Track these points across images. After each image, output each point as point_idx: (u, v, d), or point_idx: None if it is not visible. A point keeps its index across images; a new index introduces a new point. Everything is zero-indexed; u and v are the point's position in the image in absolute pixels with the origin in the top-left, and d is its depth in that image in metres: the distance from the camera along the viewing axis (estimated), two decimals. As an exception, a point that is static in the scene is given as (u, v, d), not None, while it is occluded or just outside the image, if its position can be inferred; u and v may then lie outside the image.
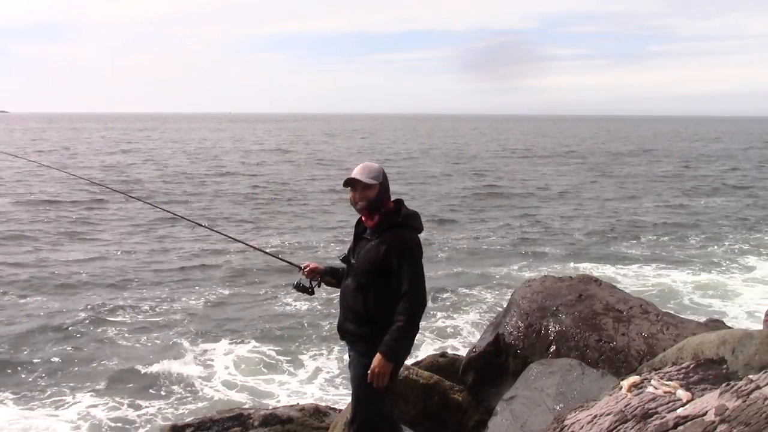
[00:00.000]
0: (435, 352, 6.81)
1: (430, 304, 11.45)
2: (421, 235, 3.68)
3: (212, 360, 9.08)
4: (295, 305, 11.38)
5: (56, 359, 9.00)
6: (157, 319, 10.62)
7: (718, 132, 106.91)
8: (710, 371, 3.31)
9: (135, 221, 18.96)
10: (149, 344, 9.59)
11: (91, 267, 13.69)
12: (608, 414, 3.03)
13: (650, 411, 2.91)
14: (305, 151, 52.39)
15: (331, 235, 17.28)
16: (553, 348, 5.05)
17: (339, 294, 3.85)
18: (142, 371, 8.67)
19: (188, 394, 8.06)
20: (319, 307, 11.21)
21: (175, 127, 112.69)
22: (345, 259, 3.86)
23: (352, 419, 3.78)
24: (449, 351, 6.71)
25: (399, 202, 3.70)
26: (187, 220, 6.02)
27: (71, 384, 8.26)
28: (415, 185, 28.72)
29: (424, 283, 3.56)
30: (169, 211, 6.07)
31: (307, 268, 3.97)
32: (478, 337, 6.24)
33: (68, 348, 9.38)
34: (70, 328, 10.08)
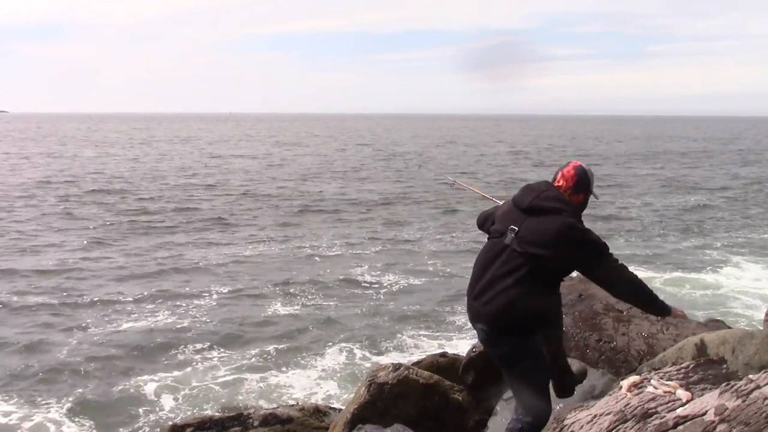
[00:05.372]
0: (435, 352, 6.80)
1: (431, 304, 11.46)
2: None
3: (212, 360, 9.08)
4: (294, 306, 11.37)
5: (55, 357, 9.00)
6: (158, 320, 10.63)
7: (718, 132, 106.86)
8: (710, 371, 3.31)
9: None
10: (149, 344, 9.57)
11: (97, 266, 13.72)
12: (608, 414, 3.03)
13: (650, 411, 2.91)
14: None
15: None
16: (553, 348, 5.04)
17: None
18: (142, 371, 8.68)
19: (188, 394, 8.05)
20: (318, 309, 11.21)
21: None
22: None
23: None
24: (449, 351, 6.70)
25: None
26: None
27: (71, 384, 8.26)
28: (414, 183, 28.75)
29: None
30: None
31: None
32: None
33: (68, 347, 9.38)
34: (70, 327, 10.10)
